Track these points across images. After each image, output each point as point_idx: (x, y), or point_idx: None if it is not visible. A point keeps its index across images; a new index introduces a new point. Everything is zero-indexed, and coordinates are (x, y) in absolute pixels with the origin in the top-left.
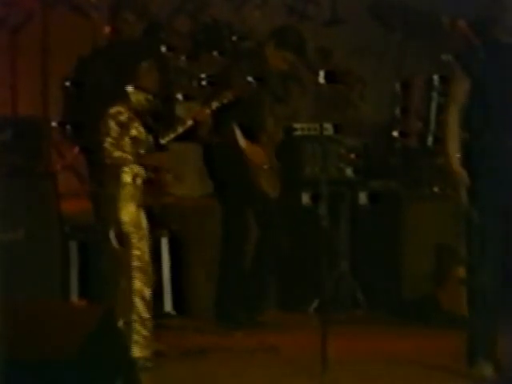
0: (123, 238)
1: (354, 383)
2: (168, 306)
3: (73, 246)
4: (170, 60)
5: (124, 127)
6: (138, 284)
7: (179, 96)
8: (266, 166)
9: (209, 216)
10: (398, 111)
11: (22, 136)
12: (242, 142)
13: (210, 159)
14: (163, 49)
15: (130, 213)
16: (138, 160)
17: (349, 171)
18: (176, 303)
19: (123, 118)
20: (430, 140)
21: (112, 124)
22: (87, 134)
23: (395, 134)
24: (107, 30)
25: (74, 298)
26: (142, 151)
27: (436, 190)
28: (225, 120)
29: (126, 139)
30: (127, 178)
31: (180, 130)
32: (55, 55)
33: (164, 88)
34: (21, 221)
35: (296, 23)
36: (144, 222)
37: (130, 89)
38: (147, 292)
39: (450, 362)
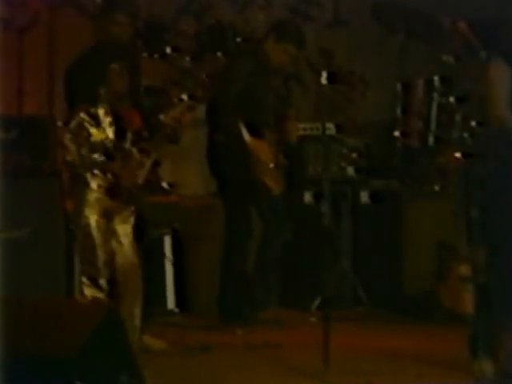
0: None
1: (356, 380)
2: (171, 303)
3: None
4: (174, 60)
5: (84, 129)
6: None
7: (184, 96)
8: (272, 165)
9: (212, 214)
10: (399, 111)
11: (28, 135)
12: (247, 137)
13: (213, 157)
14: (168, 49)
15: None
16: (95, 165)
17: (350, 170)
18: (179, 301)
19: (86, 119)
20: (430, 140)
21: (74, 124)
22: None
23: (396, 133)
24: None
25: (78, 295)
26: (99, 156)
27: (437, 188)
28: (229, 118)
29: (85, 145)
30: (92, 183)
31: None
32: (61, 55)
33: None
34: (26, 219)
35: (299, 25)
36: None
37: (101, 91)
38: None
39: (450, 359)
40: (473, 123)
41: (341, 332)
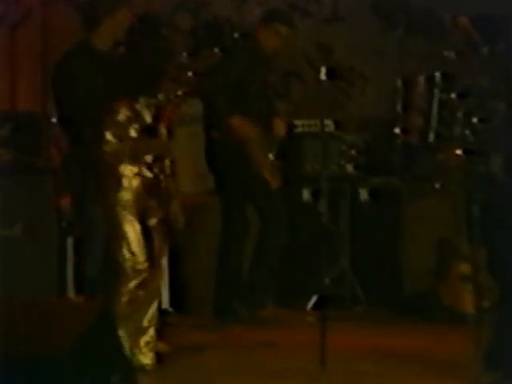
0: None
1: (354, 380)
2: (165, 303)
3: (70, 242)
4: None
5: (123, 127)
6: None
7: (180, 93)
8: (271, 156)
9: (208, 212)
10: (399, 107)
11: (21, 131)
12: (245, 127)
13: (211, 153)
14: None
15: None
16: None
17: (349, 167)
18: (173, 300)
19: (123, 117)
20: (431, 136)
21: (112, 125)
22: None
23: (396, 130)
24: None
25: (71, 294)
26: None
27: (437, 186)
28: (225, 114)
29: (125, 139)
30: (127, 181)
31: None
32: (54, 51)
33: None
34: (18, 216)
35: (297, 20)
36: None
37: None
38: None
39: (450, 359)
40: (474, 120)
41: (338, 332)
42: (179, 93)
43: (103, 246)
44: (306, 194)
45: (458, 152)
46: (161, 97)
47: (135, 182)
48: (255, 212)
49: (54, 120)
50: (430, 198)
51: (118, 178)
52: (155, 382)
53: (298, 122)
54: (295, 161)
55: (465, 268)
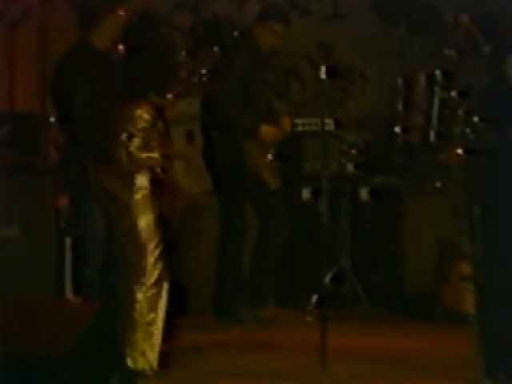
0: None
1: (354, 381)
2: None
3: (68, 243)
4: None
5: (150, 129)
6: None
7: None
8: (270, 156)
9: (207, 213)
10: (399, 106)
11: (20, 131)
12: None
13: (209, 153)
14: None
15: (147, 219)
16: (164, 160)
17: (350, 167)
18: (173, 301)
19: (148, 119)
20: (432, 135)
21: (139, 126)
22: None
23: (397, 129)
24: None
25: (69, 294)
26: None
27: (438, 185)
28: (224, 113)
29: (152, 141)
30: (143, 181)
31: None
32: (53, 50)
33: None
34: (16, 217)
35: (297, 18)
36: (159, 230)
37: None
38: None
39: (451, 359)
40: (475, 119)
41: (339, 332)
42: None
43: (102, 246)
44: (306, 194)
45: (459, 151)
46: (170, 96)
47: (147, 181)
48: (254, 212)
49: (52, 120)
50: (431, 197)
51: (134, 179)
52: (155, 383)
53: (298, 121)
54: (295, 160)
55: (466, 268)
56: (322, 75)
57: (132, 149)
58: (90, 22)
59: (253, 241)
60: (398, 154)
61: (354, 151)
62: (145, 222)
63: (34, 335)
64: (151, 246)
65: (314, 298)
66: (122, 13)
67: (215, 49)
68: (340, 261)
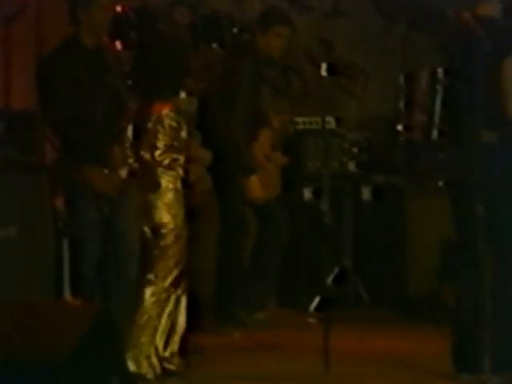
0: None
1: (358, 382)
2: None
3: (66, 243)
4: None
5: (175, 129)
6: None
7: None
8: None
9: (205, 212)
10: (401, 104)
11: (16, 129)
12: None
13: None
14: None
15: (172, 215)
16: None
17: (351, 166)
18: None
19: (175, 118)
20: (434, 133)
21: (166, 125)
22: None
23: (399, 127)
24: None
25: (68, 296)
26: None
27: (441, 184)
28: (223, 114)
29: (177, 141)
30: (169, 182)
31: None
32: (50, 46)
33: None
34: (13, 217)
35: (297, 14)
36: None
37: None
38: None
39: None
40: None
41: (341, 333)
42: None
43: (99, 246)
44: (307, 193)
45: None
46: (183, 94)
47: (175, 181)
48: (254, 212)
49: None
50: (434, 196)
51: (159, 180)
52: None
53: (298, 119)
54: (296, 159)
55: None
56: (323, 72)
57: (158, 152)
58: (79, 17)
59: (253, 241)
60: (400, 153)
61: (355, 149)
62: (170, 223)
63: (33, 337)
64: (175, 247)
65: (317, 299)
66: (118, 8)
67: (214, 45)
68: (342, 261)
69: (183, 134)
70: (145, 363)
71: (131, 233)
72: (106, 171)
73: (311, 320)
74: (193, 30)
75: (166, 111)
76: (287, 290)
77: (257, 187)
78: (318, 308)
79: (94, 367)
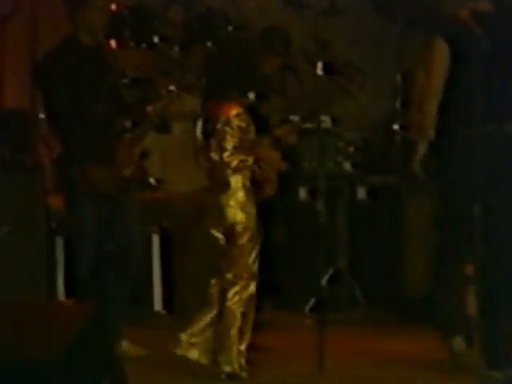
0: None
1: None
2: (158, 304)
3: (59, 243)
4: (162, 50)
5: (244, 129)
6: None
7: (172, 88)
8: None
9: (201, 212)
10: (398, 103)
11: (9, 129)
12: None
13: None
14: (156, 39)
15: (246, 213)
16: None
17: (347, 165)
18: (166, 302)
19: (245, 119)
20: (431, 133)
21: (234, 126)
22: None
23: (395, 127)
24: None
25: (61, 296)
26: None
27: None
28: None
29: (245, 142)
30: (238, 182)
31: (150, 125)
32: (43, 47)
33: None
34: (6, 216)
35: (293, 13)
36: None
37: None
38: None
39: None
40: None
41: (336, 335)
42: (172, 88)
43: (97, 246)
44: (302, 193)
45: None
46: (252, 96)
47: (244, 181)
48: None
49: (42, 117)
50: (430, 196)
51: (228, 180)
52: None
53: (294, 118)
54: (291, 158)
55: (466, 269)
56: (319, 71)
57: (226, 150)
58: (77, 17)
59: None
60: (396, 153)
61: (351, 149)
62: (244, 221)
63: (25, 337)
64: (250, 245)
65: (312, 300)
66: (113, 7)
67: (209, 44)
68: (337, 262)
69: (251, 135)
70: (236, 364)
71: (133, 233)
72: (109, 170)
73: (306, 322)
74: (187, 28)
75: (234, 112)
76: (282, 291)
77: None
78: (313, 309)
79: (85, 368)
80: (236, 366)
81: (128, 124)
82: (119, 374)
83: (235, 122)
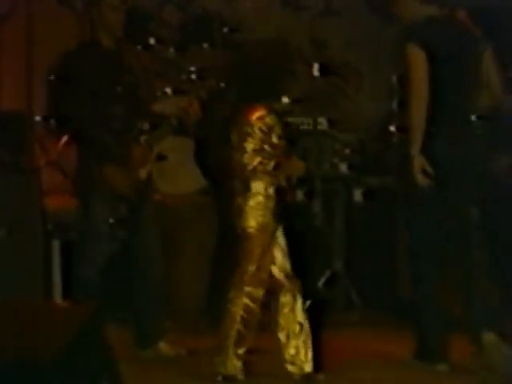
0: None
1: None
2: None
3: (56, 245)
4: (158, 52)
5: (266, 133)
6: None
7: (168, 90)
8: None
9: (200, 213)
10: (394, 105)
11: (5, 131)
12: None
13: (201, 154)
14: (151, 40)
15: (258, 221)
16: (276, 168)
17: (343, 167)
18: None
19: (268, 122)
20: (419, 137)
21: (256, 129)
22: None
23: (392, 128)
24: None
25: (57, 298)
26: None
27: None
28: (215, 113)
29: (267, 146)
30: (259, 187)
31: (168, 128)
32: (40, 48)
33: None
34: (2, 218)
35: (290, 14)
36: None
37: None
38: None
39: (451, 363)
40: (472, 117)
41: (333, 337)
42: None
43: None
44: (298, 195)
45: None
46: (285, 99)
47: (266, 187)
48: None
49: (37, 119)
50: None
51: (248, 183)
52: None
53: (290, 120)
54: None
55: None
56: (315, 72)
57: (247, 154)
58: (93, 18)
59: None
60: (392, 154)
61: (347, 151)
62: (260, 227)
63: (21, 338)
64: (257, 251)
65: (308, 302)
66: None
67: (205, 45)
68: (333, 263)
69: (275, 139)
70: (231, 366)
71: (151, 233)
72: (126, 172)
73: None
74: (183, 29)
75: (257, 115)
76: None
77: None
78: (309, 311)
79: (82, 369)
80: (231, 368)
81: (146, 126)
82: (116, 376)
83: (257, 125)
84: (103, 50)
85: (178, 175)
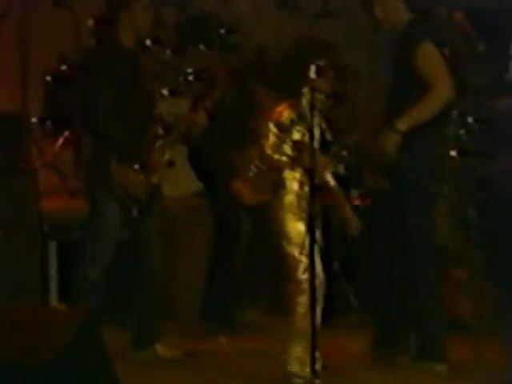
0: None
1: None
2: None
3: (52, 246)
4: (155, 54)
5: (286, 129)
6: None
7: (164, 91)
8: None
9: (197, 216)
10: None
11: (1, 132)
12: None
13: (196, 160)
14: (148, 42)
15: (294, 227)
16: (302, 165)
17: (341, 169)
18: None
19: (286, 119)
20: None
21: (272, 126)
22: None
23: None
24: (90, 22)
25: (54, 300)
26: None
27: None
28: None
29: (287, 142)
30: (292, 185)
31: (178, 135)
32: (36, 49)
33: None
34: None
35: (286, 15)
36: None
37: (305, 89)
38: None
39: (450, 366)
40: (470, 119)
41: (330, 338)
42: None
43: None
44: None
45: (453, 153)
46: (304, 102)
47: (296, 185)
48: (246, 212)
49: (34, 120)
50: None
51: (281, 181)
52: None
53: None
54: None
55: (462, 273)
56: (312, 74)
57: (265, 148)
58: (121, 16)
59: (246, 241)
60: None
61: (344, 153)
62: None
63: (19, 342)
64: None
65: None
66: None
67: (201, 46)
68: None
69: (296, 135)
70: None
71: (154, 236)
72: (140, 175)
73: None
74: (180, 30)
75: (278, 110)
76: (276, 295)
77: (246, 192)
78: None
79: (79, 372)
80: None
81: (161, 131)
82: (113, 378)
83: (279, 120)
84: (123, 50)
85: (176, 178)
